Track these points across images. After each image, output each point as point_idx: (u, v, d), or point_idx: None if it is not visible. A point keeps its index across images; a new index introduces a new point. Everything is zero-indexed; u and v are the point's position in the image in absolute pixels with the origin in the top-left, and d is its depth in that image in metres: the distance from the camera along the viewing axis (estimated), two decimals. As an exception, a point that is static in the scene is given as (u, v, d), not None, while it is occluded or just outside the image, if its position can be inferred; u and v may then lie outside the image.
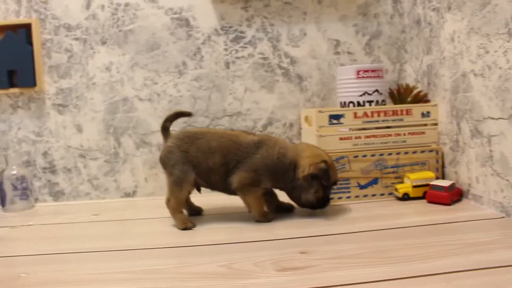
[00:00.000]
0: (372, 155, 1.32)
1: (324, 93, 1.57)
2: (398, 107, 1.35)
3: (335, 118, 1.31)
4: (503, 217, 1.09)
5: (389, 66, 1.59)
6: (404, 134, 1.35)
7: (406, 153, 1.33)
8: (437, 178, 1.33)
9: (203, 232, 1.10)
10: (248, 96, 1.55)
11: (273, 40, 1.54)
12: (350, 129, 1.34)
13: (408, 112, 1.35)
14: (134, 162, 1.54)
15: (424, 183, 1.28)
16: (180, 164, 1.14)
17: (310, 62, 1.56)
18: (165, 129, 1.20)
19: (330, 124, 1.31)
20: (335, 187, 1.23)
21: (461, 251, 0.89)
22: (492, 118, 1.11)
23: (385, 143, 1.34)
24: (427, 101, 1.43)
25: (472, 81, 1.18)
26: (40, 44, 1.49)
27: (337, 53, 1.57)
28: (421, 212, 1.17)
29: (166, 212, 1.17)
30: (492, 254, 0.86)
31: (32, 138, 1.52)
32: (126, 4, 1.50)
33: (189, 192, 1.22)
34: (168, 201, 1.16)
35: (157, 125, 1.52)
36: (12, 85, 1.49)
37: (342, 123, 1.31)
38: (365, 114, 1.33)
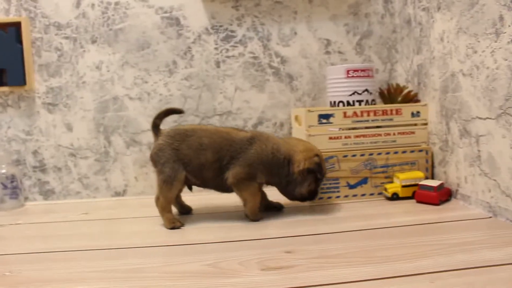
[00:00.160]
0: (362, 155, 1.32)
1: (315, 92, 1.57)
2: (388, 106, 1.35)
3: (324, 117, 1.31)
4: (490, 217, 1.09)
5: (379, 66, 1.59)
6: (394, 134, 1.35)
7: (395, 152, 1.33)
8: (426, 178, 1.33)
9: (191, 231, 1.10)
10: (238, 95, 1.55)
11: (263, 40, 1.54)
12: (340, 128, 1.34)
13: (398, 112, 1.35)
14: (124, 161, 1.53)
15: (413, 183, 1.28)
16: (171, 162, 1.13)
17: (300, 61, 1.56)
18: (155, 127, 1.19)
19: (319, 123, 1.31)
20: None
21: (446, 251, 0.89)
22: (480, 118, 1.11)
23: (375, 142, 1.34)
24: (417, 101, 1.43)
25: (460, 81, 1.18)
26: (30, 42, 1.48)
27: (328, 52, 1.57)
28: (409, 212, 1.17)
29: (156, 211, 1.16)
30: (477, 254, 0.87)
31: (22, 137, 1.51)
32: (116, 3, 1.50)
33: (180, 191, 1.22)
34: (157, 200, 1.16)
35: (147, 124, 1.52)
36: (1, 83, 1.48)
37: (331, 123, 1.31)
38: (355, 114, 1.33)
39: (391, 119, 1.35)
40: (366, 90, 1.38)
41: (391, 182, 1.33)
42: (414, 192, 1.27)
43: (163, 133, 1.17)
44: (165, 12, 1.51)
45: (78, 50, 1.50)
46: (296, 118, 1.44)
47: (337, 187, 1.32)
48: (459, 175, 1.22)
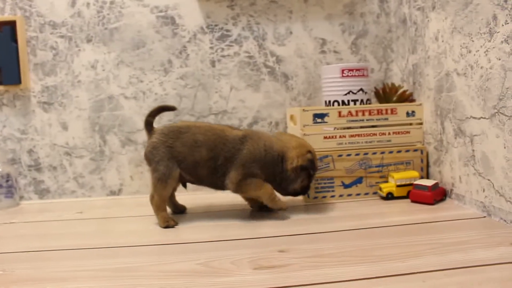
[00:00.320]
0: (357, 154, 1.32)
1: (310, 92, 1.57)
2: (383, 106, 1.35)
3: (319, 117, 1.31)
4: (484, 216, 1.09)
5: (375, 65, 1.59)
6: (389, 134, 1.35)
7: (390, 152, 1.33)
8: (421, 177, 1.33)
9: (185, 230, 1.10)
10: (234, 94, 1.54)
11: (259, 39, 1.54)
12: (335, 128, 1.34)
13: (393, 111, 1.35)
14: (119, 160, 1.53)
15: (408, 182, 1.28)
16: (165, 160, 1.13)
17: (296, 61, 1.56)
18: (148, 124, 1.18)
19: (314, 123, 1.31)
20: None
21: (439, 250, 0.89)
22: (474, 118, 1.11)
23: (370, 142, 1.34)
24: (413, 100, 1.43)
25: (455, 81, 1.18)
26: (25, 41, 1.48)
27: (323, 52, 1.57)
28: (403, 212, 1.17)
29: (151, 211, 1.16)
30: (470, 253, 0.87)
31: (17, 136, 1.51)
32: (112, 2, 1.49)
33: (174, 189, 1.22)
34: (152, 198, 1.15)
35: (142, 123, 1.51)
36: (-4, 82, 1.48)
37: (326, 122, 1.31)
38: (350, 113, 1.33)
39: (386, 119, 1.35)
40: (361, 89, 1.38)
41: (386, 181, 1.33)
42: (408, 192, 1.27)
43: (156, 131, 1.17)
44: (160, 11, 1.51)
45: (73, 49, 1.50)
46: (291, 117, 1.44)
47: (332, 187, 1.32)
48: (454, 174, 1.22)
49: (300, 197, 1.34)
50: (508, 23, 0.97)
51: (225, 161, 1.13)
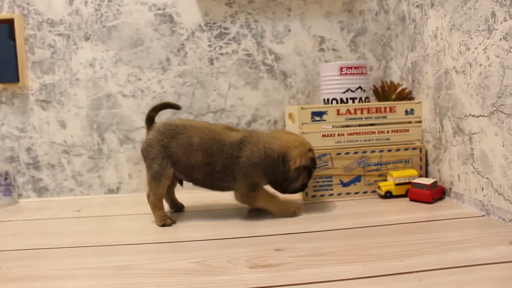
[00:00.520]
0: (355, 153, 1.32)
1: (309, 90, 1.56)
2: (382, 104, 1.34)
3: (317, 115, 1.30)
4: (483, 215, 1.08)
5: (374, 63, 1.59)
6: (388, 132, 1.35)
7: (389, 150, 1.33)
8: (420, 176, 1.33)
9: (182, 229, 1.09)
10: (232, 92, 1.54)
11: (257, 37, 1.53)
12: (333, 126, 1.33)
13: (391, 109, 1.35)
14: (118, 158, 1.53)
15: (406, 181, 1.28)
16: (159, 158, 1.12)
17: (294, 59, 1.55)
18: (149, 119, 1.17)
19: (312, 121, 1.30)
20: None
21: (437, 249, 0.88)
22: (473, 116, 1.10)
23: (368, 140, 1.34)
24: (412, 98, 1.43)
25: (454, 78, 1.18)
26: (23, 39, 1.48)
27: (322, 50, 1.56)
28: (402, 210, 1.17)
29: (148, 209, 1.16)
30: (467, 252, 0.86)
31: (15, 134, 1.51)
32: (110, 0, 1.49)
33: (173, 186, 1.22)
34: (148, 196, 1.15)
35: (141, 121, 1.51)
36: (-6, 80, 1.48)
37: (324, 120, 1.31)
38: (348, 111, 1.32)
39: (384, 117, 1.34)
40: (360, 87, 1.37)
41: (385, 180, 1.33)
42: (407, 190, 1.27)
43: (154, 128, 1.16)
44: (159, 9, 1.50)
45: (72, 47, 1.50)
46: (290, 115, 1.44)
47: (330, 185, 1.31)
48: (452, 173, 1.22)
49: (298, 196, 1.34)
50: (507, 20, 0.96)
51: (224, 168, 1.12)
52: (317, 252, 0.90)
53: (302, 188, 1.18)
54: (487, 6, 1.02)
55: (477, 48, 1.07)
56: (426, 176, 1.35)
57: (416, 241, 0.93)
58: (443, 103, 1.24)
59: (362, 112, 1.33)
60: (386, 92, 1.43)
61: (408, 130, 1.35)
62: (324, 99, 1.42)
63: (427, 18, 1.30)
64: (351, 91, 1.37)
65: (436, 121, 1.28)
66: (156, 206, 1.14)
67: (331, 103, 1.39)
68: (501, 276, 0.76)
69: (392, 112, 1.35)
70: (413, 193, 1.23)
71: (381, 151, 1.33)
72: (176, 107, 1.22)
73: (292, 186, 1.16)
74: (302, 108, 1.30)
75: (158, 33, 1.51)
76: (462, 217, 1.08)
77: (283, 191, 1.18)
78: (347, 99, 1.37)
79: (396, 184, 1.28)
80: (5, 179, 1.44)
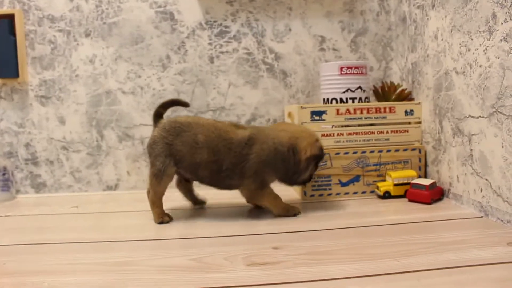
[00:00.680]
0: (354, 153, 1.32)
1: (309, 89, 1.56)
2: (381, 104, 1.34)
3: (317, 114, 1.30)
4: (482, 216, 1.08)
5: (374, 63, 1.59)
6: (387, 132, 1.34)
7: (388, 151, 1.33)
8: (419, 177, 1.32)
9: (181, 226, 1.09)
10: (232, 91, 1.54)
11: (257, 36, 1.53)
12: (333, 125, 1.33)
13: (391, 110, 1.34)
14: (116, 155, 1.53)
15: (405, 181, 1.28)
16: (163, 156, 1.11)
17: (294, 58, 1.55)
18: (157, 116, 1.16)
19: (312, 120, 1.30)
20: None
21: (435, 249, 0.88)
22: (473, 117, 1.10)
23: (368, 140, 1.34)
24: (411, 99, 1.43)
25: (454, 79, 1.18)
26: (23, 35, 1.48)
27: (322, 49, 1.56)
28: (400, 211, 1.16)
29: (147, 206, 1.16)
30: (465, 253, 0.86)
31: (14, 129, 1.50)
32: (111, -4, 1.49)
33: (191, 183, 1.23)
34: (148, 193, 1.14)
35: (140, 118, 1.51)
36: (-6, 75, 1.48)
37: (324, 120, 1.31)
38: (348, 111, 1.32)
39: (384, 117, 1.34)
40: (360, 87, 1.37)
41: (384, 180, 1.32)
42: (406, 191, 1.26)
43: (160, 125, 1.14)
44: (159, 7, 1.50)
45: (72, 43, 1.50)
46: (289, 114, 1.43)
47: (329, 185, 1.31)
48: (451, 174, 1.22)
49: (296, 196, 1.34)
50: (507, 21, 0.96)
51: (232, 166, 1.11)
52: (315, 250, 0.89)
53: (309, 179, 1.18)
54: (488, 7, 1.02)
55: (477, 49, 1.07)
56: (425, 177, 1.35)
57: (414, 241, 0.93)
58: (443, 104, 1.24)
59: (361, 112, 1.33)
60: (386, 92, 1.43)
61: (407, 131, 1.35)
62: (324, 99, 1.41)
63: (428, 19, 1.30)
64: (351, 91, 1.36)
65: (436, 122, 1.28)
66: (155, 203, 1.14)
67: (331, 102, 1.39)
68: (499, 276, 0.75)
69: (392, 113, 1.34)
70: (412, 193, 1.23)
71: (380, 151, 1.32)
72: (184, 104, 1.20)
73: (301, 177, 1.16)
74: (301, 107, 1.30)
75: (159, 30, 1.51)
76: (461, 218, 1.08)
77: (292, 183, 1.18)
78: (346, 99, 1.37)
79: (395, 185, 1.27)
80: (3, 174, 1.44)
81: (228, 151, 1.10)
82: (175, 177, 1.18)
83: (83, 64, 1.50)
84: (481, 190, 1.09)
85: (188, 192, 1.25)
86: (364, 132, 1.33)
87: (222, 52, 1.53)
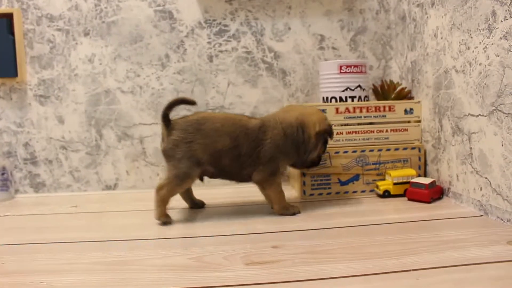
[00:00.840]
0: (354, 151, 1.31)
1: (308, 88, 1.56)
2: (381, 103, 1.34)
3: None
4: (481, 215, 1.08)
5: (374, 62, 1.58)
6: (387, 131, 1.34)
7: (388, 150, 1.32)
8: (419, 175, 1.32)
9: (180, 226, 1.09)
10: (231, 90, 1.53)
11: (257, 34, 1.53)
12: (332, 124, 1.32)
13: (391, 108, 1.34)
14: (115, 154, 1.52)
15: (405, 180, 1.27)
16: (186, 158, 1.10)
17: (294, 57, 1.55)
18: (166, 117, 1.13)
19: (311, 119, 1.30)
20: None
21: (434, 248, 0.88)
22: (472, 115, 1.10)
23: (367, 139, 1.33)
24: (411, 98, 1.42)
25: (453, 78, 1.17)
26: (22, 34, 1.47)
27: (322, 48, 1.56)
28: (400, 210, 1.16)
29: (145, 205, 1.16)
30: (464, 252, 0.86)
31: (13, 129, 1.50)
32: (110, -5, 1.49)
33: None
34: (160, 189, 1.11)
35: (139, 118, 1.51)
36: (-7, 75, 1.47)
37: (323, 118, 1.30)
38: (347, 110, 1.32)
39: (384, 116, 1.34)
40: (359, 86, 1.37)
41: (383, 179, 1.32)
42: (405, 190, 1.26)
43: (175, 127, 1.12)
44: (158, 6, 1.50)
45: (71, 43, 1.49)
46: (289, 113, 1.43)
47: (328, 184, 1.31)
48: (451, 173, 1.21)
49: (296, 194, 1.34)
50: (507, 19, 0.96)
51: (250, 151, 1.13)
52: (314, 250, 0.89)
53: (318, 161, 1.20)
54: (488, 5, 1.01)
55: (477, 47, 1.06)
56: (425, 175, 1.35)
57: (414, 240, 0.93)
58: (443, 103, 1.23)
59: (361, 111, 1.33)
60: (385, 91, 1.43)
61: (407, 130, 1.35)
62: (323, 98, 1.41)
63: (427, 17, 1.30)
64: (350, 89, 1.36)
65: (435, 120, 1.28)
66: (164, 201, 1.11)
67: (330, 101, 1.38)
68: (498, 275, 0.75)
69: (391, 111, 1.34)
70: (412, 192, 1.23)
71: (380, 150, 1.32)
72: (191, 102, 1.17)
73: (310, 156, 1.17)
74: (301, 106, 1.29)
75: (158, 29, 1.50)
76: (460, 216, 1.08)
77: (301, 165, 1.20)
78: (346, 97, 1.37)
79: (395, 184, 1.27)
80: (2, 174, 1.43)
81: (245, 136, 1.13)
82: None
83: (82, 63, 1.50)
84: (481, 189, 1.08)
85: (187, 195, 1.24)
86: (364, 131, 1.33)
87: (221, 51, 1.52)
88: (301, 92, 1.56)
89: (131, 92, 1.51)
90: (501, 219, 1.02)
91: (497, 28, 0.99)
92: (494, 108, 1.01)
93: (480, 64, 1.05)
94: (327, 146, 1.21)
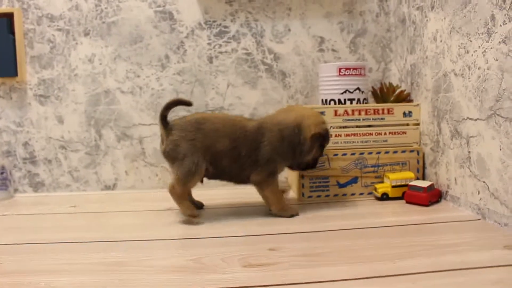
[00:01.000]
0: (352, 154, 1.31)
1: (308, 90, 1.56)
2: (380, 106, 1.34)
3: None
4: (479, 219, 1.08)
5: (373, 64, 1.58)
6: (385, 134, 1.34)
7: (386, 152, 1.33)
8: (417, 178, 1.32)
9: (177, 227, 1.09)
10: (230, 91, 1.54)
11: (257, 36, 1.53)
12: (331, 127, 1.33)
13: (389, 111, 1.34)
14: (115, 154, 1.52)
15: (403, 183, 1.27)
16: (190, 155, 1.10)
17: (294, 58, 1.55)
18: (164, 118, 1.13)
19: (310, 121, 1.30)
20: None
21: (431, 252, 0.88)
22: (471, 119, 1.10)
23: (366, 142, 1.34)
24: (410, 100, 1.42)
25: (452, 81, 1.18)
26: (22, 33, 1.47)
27: (321, 50, 1.56)
28: (397, 213, 1.16)
29: (145, 205, 1.16)
30: (461, 256, 0.86)
31: (13, 128, 1.50)
32: (110, -4, 1.49)
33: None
34: (172, 188, 1.12)
35: (139, 118, 1.51)
36: (-7, 74, 1.48)
37: (322, 121, 1.30)
38: (346, 112, 1.32)
39: (382, 119, 1.34)
40: (358, 88, 1.37)
41: (382, 182, 1.32)
42: (404, 193, 1.26)
43: (174, 127, 1.13)
44: (159, 6, 1.50)
45: (71, 43, 1.50)
46: (288, 115, 1.43)
47: (327, 186, 1.31)
48: (449, 176, 1.22)
49: (294, 196, 1.34)
50: (506, 23, 0.96)
51: (249, 153, 1.13)
52: (311, 252, 0.89)
53: (313, 164, 1.19)
54: (487, 9, 1.02)
55: (476, 51, 1.07)
56: (423, 178, 1.35)
57: (411, 244, 0.93)
58: (441, 106, 1.24)
59: (359, 114, 1.33)
60: (384, 94, 1.43)
61: (405, 132, 1.35)
62: (322, 100, 1.41)
63: (427, 20, 1.30)
64: (349, 92, 1.36)
65: (434, 123, 1.28)
66: (182, 196, 1.13)
67: (329, 103, 1.38)
68: (495, 280, 0.75)
69: (390, 114, 1.34)
70: (410, 195, 1.23)
71: (378, 153, 1.32)
72: (187, 103, 1.17)
73: (306, 159, 1.17)
74: (300, 108, 1.29)
75: (158, 30, 1.50)
76: (458, 220, 1.08)
77: (297, 166, 1.20)
78: (345, 100, 1.37)
79: (393, 186, 1.27)
80: (1, 173, 1.44)
81: (244, 137, 1.13)
82: None
83: (82, 63, 1.50)
84: (479, 193, 1.09)
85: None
86: (362, 133, 1.33)
87: (221, 52, 1.53)
88: (300, 94, 1.56)
89: (131, 93, 1.51)
90: (499, 223, 1.02)
91: (496, 32, 0.99)
92: (492, 112, 1.02)
93: (479, 68, 1.06)
94: (325, 148, 1.20)
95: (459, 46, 1.14)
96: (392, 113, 1.34)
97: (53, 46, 1.49)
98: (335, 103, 1.37)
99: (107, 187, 1.53)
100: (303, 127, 1.14)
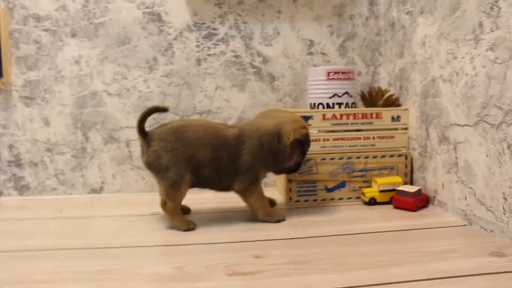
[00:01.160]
0: (340, 158, 1.31)
1: (296, 93, 1.55)
2: (368, 110, 1.33)
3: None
4: (465, 225, 1.08)
5: (363, 68, 1.58)
6: (374, 138, 1.34)
7: (374, 157, 1.32)
8: (405, 183, 1.32)
9: (163, 233, 1.08)
10: (219, 94, 1.53)
11: (246, 38, 1.52)
12: (319, 131, 1.32)
13: (378, 115, 1.34)
14: (101, 157, 1.51)
15: (391, 188, 1.27)
16: (172, 167, 1.08)
17: (282, 61, 1.54)
18: (142, 129, 1.10)
19: (298, 125, 1.29)
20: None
21: (418, 259, 0.88)
22: (458, 125, 1.10)
23: (354, 146, 1.33)
24: (399, 105, 1.42)
25: (440, 87, 1.17)
26: (7, 34, 1.45)
27: (311, 53, 1.55)
28: (385, 218, 1.16)
29: (131, 209, 1.15)
30: (448, 263, 0.86)
31: (-2, 130, 1.48)
32: (97, -3, 1.47)
33: None
34: (164, 205, 1.13)
35: (126, 120, 1.50)
36: (-23, 75, 1.45)
37: (310, 125, 1.30)
38: (334, 116, 1.32)
39: (371, 123, 1.34)
40: (347, 92, 1.36)
41: (369, 186, 1.32)
42: (391, 198, 1.26)
43: (154, 137, 1.10)
44: (147, 8, 1.49)
45: (57, 44, 1.48)
46: (276, 119, 1.42)
47: (315, 190, 1.30)
48: (437, 181, 1.22)
49: (282, 200, 1.33)
50: (493, 31, 0.96)
51: (230, 162, 1.11)
52: (297, 259, 0.89)
53: (296, 168, 1.19)
54: (475, 16, 1.01)
55: (464, 57, 1.06)
56: (411, 183, 1.35)
57: (398, 251, 0.93)
58: (430, 111, 1.23)
59: (348, 118, 1.33)
60: (373, 97, 1.43)
61: (394, 137, 1.35)
62: (310, 104, 1.41)
63: (416, 25, 1.30)
64: (338, 96, 1.36)
65: (422, 128, 1.28)
66: (175, 212, 1.11)
67: (318, 107, 1.38)
68: (482, 287, 0.75)
69: (379, 118, 1.34)
70: (397, 200, 1.23)
71: (367, 157, 1.32)
72: (163, 109, 1.14)
73: (287, 164, 1.16)
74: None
75: (146, 31, 1.49)
76: (445, 226, 1.08)
77: (278, 171, 1.19)
78: (333, 104, 1.36)
79: (381, 191, 1.27)
80: (-13, 175, 1.42)
81: (225, 146, 1.11)
82: None
83: (69, 64, 1.48)
84: (466, 198, 1.09)
85: None
86: (351, 137, 1.33)
87: (209, 55, 1.51)
88: (289, 97, 1.55)
89: (118, 95, 1.50)
90: (485, 229, 1.02)
91: (484, 39, 0.99)
92: (479, 118, 1.01)
93: (466, 74, 1.06)
94: (307, 152, 1.19)
95: (447, 52, 1.13)
96: (381, 118, 1.34)
97: (39, 47, 1.47)
98: (323, 107, 1.37)
99: (94, 191, 1.52)
100: (282, 133, 1.13)
